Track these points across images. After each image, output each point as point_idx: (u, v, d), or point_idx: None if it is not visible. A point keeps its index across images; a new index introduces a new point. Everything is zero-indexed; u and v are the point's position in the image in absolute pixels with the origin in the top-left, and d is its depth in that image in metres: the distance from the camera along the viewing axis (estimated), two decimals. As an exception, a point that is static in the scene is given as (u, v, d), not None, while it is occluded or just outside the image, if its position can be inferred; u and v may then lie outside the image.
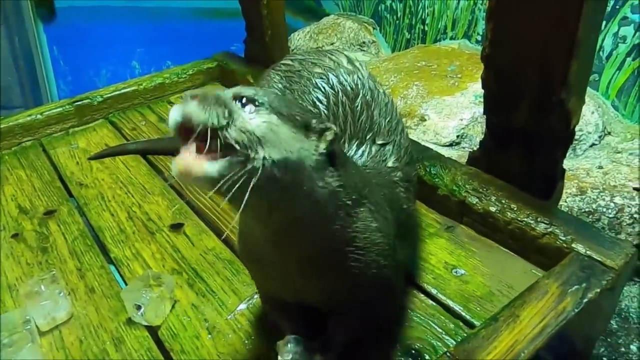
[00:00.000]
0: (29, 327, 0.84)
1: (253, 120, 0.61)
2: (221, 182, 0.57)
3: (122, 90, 1.69)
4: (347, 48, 2.94)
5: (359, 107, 0.92)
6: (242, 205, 0.58)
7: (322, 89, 0.95)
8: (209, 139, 0.56)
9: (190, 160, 0.56)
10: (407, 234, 0.95)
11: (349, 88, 0.94)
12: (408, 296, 0.94)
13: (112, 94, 1.67)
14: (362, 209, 0.73)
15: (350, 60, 1.00)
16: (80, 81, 2.87)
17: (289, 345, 0.72)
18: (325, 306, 0.81)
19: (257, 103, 0.63)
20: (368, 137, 0.90)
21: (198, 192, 1.26)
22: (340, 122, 0.91)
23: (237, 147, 0.58)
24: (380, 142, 0.91)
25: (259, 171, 0.58)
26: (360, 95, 0.94)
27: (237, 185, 0.57)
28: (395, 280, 0.84)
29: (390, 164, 0.90)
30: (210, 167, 0.57)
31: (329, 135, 0.66)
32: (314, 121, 0.67)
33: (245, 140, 0.59)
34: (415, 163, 1.06)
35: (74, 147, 1.51)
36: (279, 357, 0.71)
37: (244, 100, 0.63)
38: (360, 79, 0.96)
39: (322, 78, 0.96)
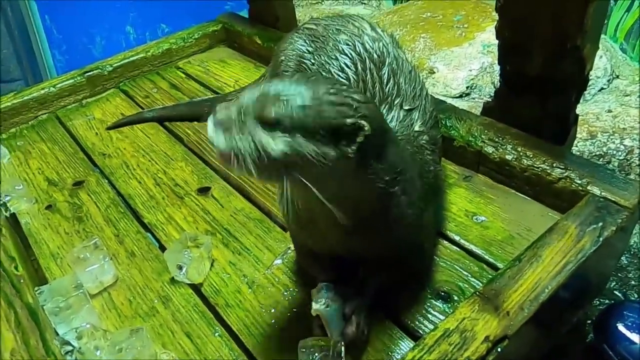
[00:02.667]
0: (82, 291, 0.90)
1: (277, 146, 0.64)
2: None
3: (131, 58, 1.69)
4: (347, 1, 2.88)
5: (385, 74, 0.95)
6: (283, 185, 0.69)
7: (349, 55, 0.97)
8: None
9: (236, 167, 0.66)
10: (435, 193, 0.99)
11: (375, 56, 0.97)
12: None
13: (121, 62, 1.67)
14: (396, 187, 0.77)
15: (373, 27, 1.02)
16: (75, 50, 2.82)
17: (321, 291, 0.77)
18: (358, 259, 0.87)
19: (281, 125, 0.64)
20: (396, 102, 0.93)
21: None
22: (369, 87, 0.93)
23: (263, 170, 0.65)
24: (407, 107, 0.93)
25: (292, 180, 0.66)
26: (387, 63, 0.96)
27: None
28: (424, 239, 0.90)
29: (417, 128, 0.93)
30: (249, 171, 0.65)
31: (360, 138, 0.65)
32: (347, 121, 0.65)
33: (272, 165, 0.64)
34: (439, 125, 1.08)
35: (90, 118, 1.53)
36: (313, 303, 0.76)
37: (267, 122, 0.64)
38: (385, 46, 0.99)
39: (347, 44, 0.98)
